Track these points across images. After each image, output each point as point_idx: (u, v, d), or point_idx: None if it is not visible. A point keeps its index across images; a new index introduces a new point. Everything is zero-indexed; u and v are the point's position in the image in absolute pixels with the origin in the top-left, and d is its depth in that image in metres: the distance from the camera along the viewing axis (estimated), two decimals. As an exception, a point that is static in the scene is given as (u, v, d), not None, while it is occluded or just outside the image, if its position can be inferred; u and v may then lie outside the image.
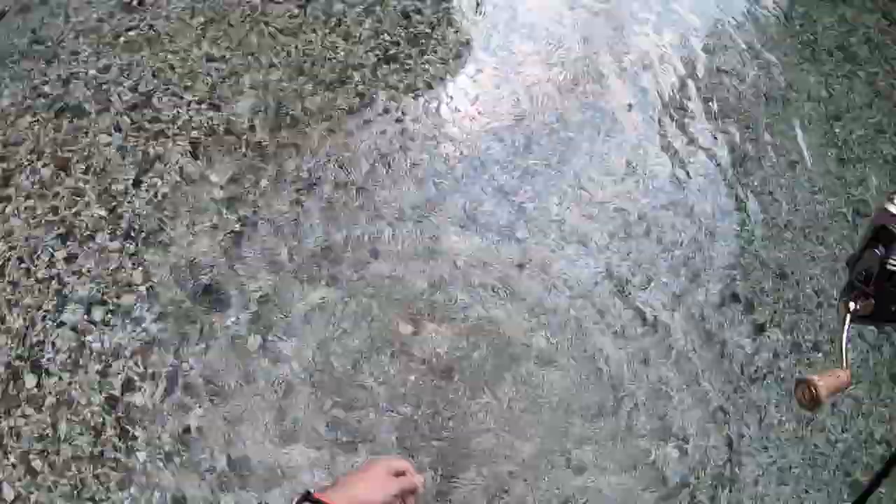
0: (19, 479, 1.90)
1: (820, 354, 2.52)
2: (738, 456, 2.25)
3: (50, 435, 1.95)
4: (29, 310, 2.12)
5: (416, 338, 2.26)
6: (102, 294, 2.17)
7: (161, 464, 1.91)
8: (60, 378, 2.03)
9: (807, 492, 2.25)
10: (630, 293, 2.47)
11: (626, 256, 2.56)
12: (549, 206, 2.62)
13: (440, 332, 2.28)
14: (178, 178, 2.43)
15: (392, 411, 2.12)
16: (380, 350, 2.22)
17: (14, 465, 1.92)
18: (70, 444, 1.95)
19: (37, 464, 1.91)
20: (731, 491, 2.19)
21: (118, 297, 2.17)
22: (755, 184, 2.88)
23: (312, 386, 2.12)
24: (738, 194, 2.84)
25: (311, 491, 0.83)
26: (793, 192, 2.90)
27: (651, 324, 2.42)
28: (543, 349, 2.31)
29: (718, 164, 2.90)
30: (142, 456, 1.92)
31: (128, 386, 2.04)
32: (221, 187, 2.44)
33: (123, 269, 2.22)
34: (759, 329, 2.52)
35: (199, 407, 2.02)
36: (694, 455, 2.20)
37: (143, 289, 2.20)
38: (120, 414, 2.00)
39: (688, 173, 2.84)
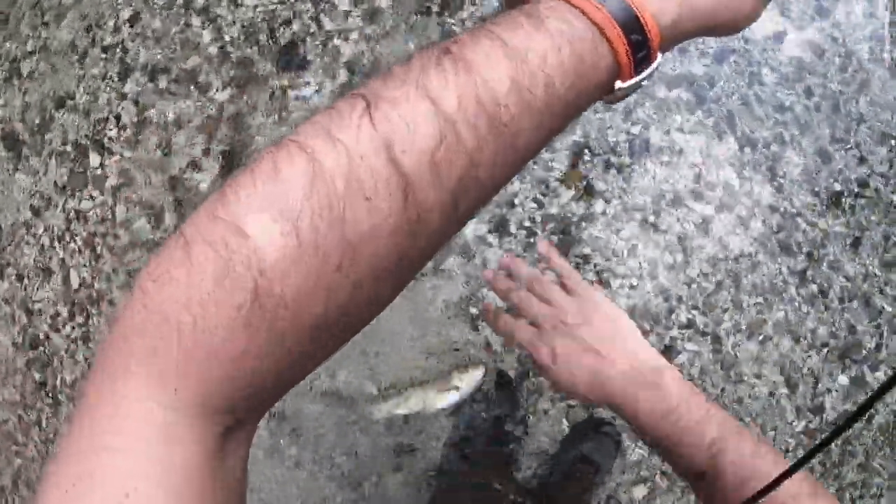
0: (85, 265, 1.65)
1: None
2: None
3: (110, 218, 1.65)
4: (94, 80, 1.79)
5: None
6: (167, 59, 1.75)
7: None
8: (122, 156, 1.69)
9: None
10: None
11: None
12: None
13: None
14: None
15: None
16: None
17: (80, 250, 1.66)
18: (128, 229, 1.63)
19: (99, 249, 1.64)
20: None
21: (185, 61, 1.74)
22: None
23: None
24: None
25: None
26: None
27: None
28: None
29: None
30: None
31: (191, 165, 1.65)
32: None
33: (191, 27, 1.78)
34: None
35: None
36: None
37: (212, 50, 1.74)
38: (179, 195, 1.63)
39: None
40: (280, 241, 0.26)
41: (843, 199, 1.57)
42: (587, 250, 1.50)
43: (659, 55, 0.34)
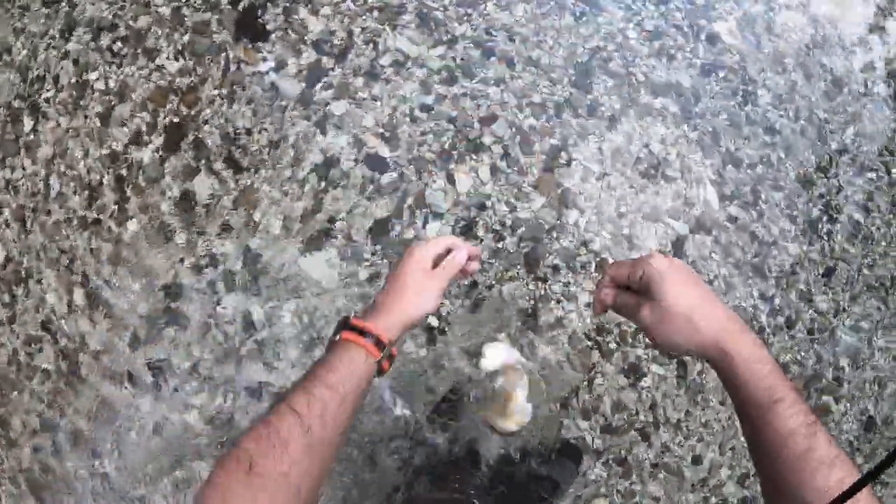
0: (14, 241, 1.51)
1: None
2: None
3: (42, 191, 1.51)
4: (34, 38, 1.62)
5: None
6: (115, 15, 1.59)
7: (152, 244, 1.39)
8: (58, 123, 1.54)
9: None
10: None
11: None
12: None
13: None
14: None
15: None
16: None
17: (8, 224, 1.52)
18: (62, 205, 1.49)
19: (29, 224, 1.50)
20: None
21: (134, 20, 1.58)
22: None
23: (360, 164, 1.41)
24: None
25: (350, 316, 0.68)
26: None
27: None
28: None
29: None
30: (132, 226, 1.41)
31: (134, 139, 1.50)
32: None
33: (143, -15, 1.61)
34: None
35: (210, 173, 1.43)
36: None
37: (165, 10, 1.58)
38: (121, 172, 1.49)
39: None
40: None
41: (820, 226, 1.51)
42: (557, 261, 1.42)
43: (394, 348, 0.67)
